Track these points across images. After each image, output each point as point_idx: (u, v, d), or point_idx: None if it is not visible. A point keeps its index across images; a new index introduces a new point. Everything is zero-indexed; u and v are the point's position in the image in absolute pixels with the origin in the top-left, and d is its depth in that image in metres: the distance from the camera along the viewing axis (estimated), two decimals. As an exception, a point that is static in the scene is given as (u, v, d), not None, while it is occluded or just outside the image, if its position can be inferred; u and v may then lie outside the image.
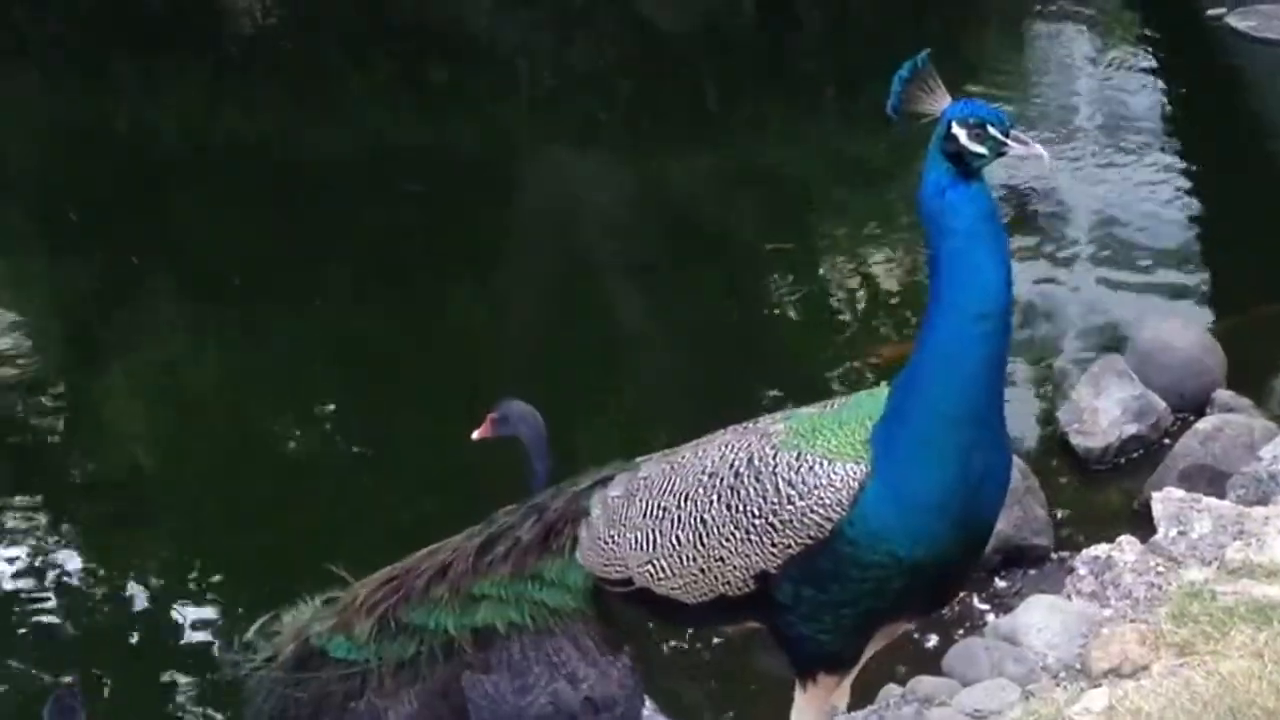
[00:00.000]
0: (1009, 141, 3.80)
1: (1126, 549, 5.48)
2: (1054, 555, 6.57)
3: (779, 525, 3.91)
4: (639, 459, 4.46)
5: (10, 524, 7.74)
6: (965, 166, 3.81)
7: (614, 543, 4.28)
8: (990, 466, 3.88)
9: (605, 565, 4.31)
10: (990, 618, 5.98)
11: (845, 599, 3.90)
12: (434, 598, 4.53)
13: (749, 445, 4.05)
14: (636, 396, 8.85)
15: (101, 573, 7.41)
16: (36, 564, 7.45)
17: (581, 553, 4.38)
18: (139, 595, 7.27)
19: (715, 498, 4.04)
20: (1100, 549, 5.51)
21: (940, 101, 3.87)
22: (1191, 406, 7.51)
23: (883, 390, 4.05)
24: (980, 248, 3.80)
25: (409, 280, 9.84)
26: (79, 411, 8.85)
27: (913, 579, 3.87)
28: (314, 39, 14.01)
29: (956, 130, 3.80)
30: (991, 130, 3.79)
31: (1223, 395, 7.49)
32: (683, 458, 4.25)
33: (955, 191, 3.81)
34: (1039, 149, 3.86)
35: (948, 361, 3.82)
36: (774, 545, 3.93)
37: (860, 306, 9.50)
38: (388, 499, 7.75)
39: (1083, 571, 5.43)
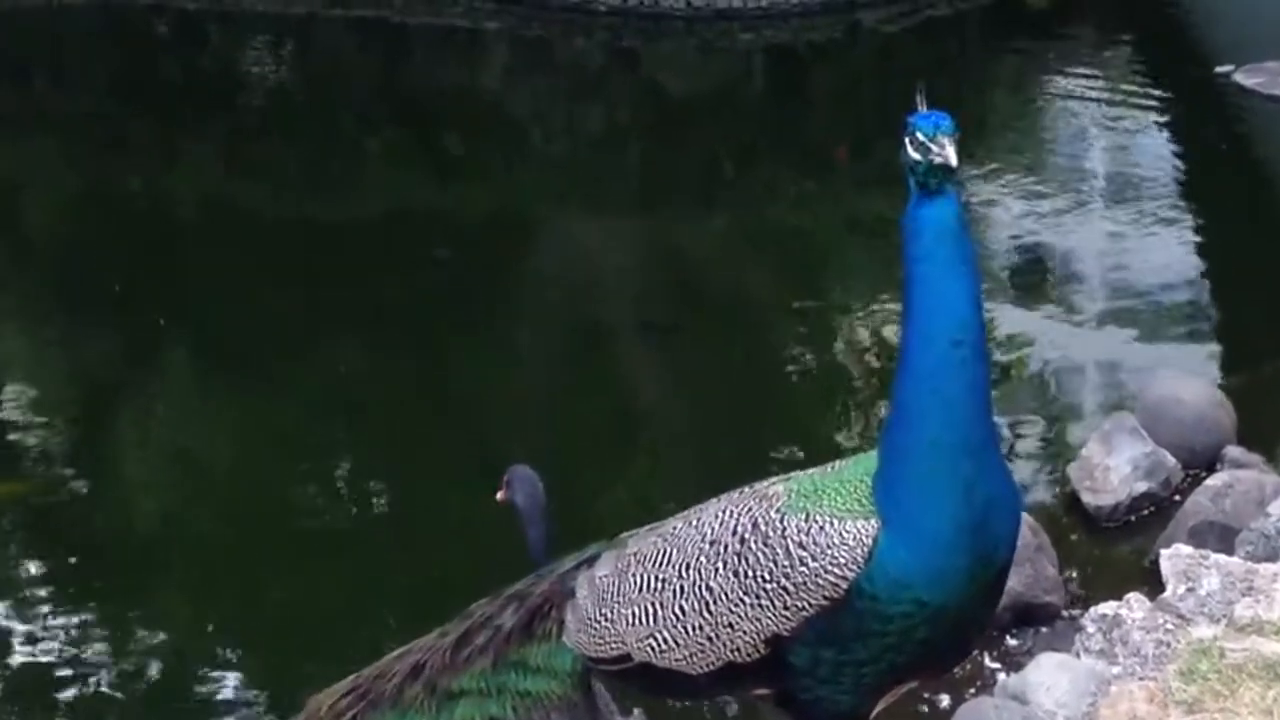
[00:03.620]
0: (931, 145, 3.73)
1: (1135, 606, 5.47)
2: (1065, 613, 6.53)
3: (792, 588, 3.87)
4: (624, 535, 4.40)
5: (24, 586, 7.76)
6: (919, 179, 3.77)
7: (607, 620, 4.21)
8: (994, 499, 3.85)
9: (598, 644, 4.24)
10: (1000, 676, 5.95)
11: (867, 657, 3.87)
12: (407, 700, 4.42)
13: (750, 510, 4.01)
14: (651, 459, 8.87)
15: (116, 636, 7.40)
16: (49, 626, 7.46)
17: (569, 636, 4.32)
18: (152, 659, 7.27)
19: (721, 565, 3.99)
20: (1109, 606, 5.50)
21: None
22: (1202, 463, 7.49)
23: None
24: (944, 270, 3.76)
25: (424, 343, 9.87)
26: (93, 474, 8.86)
27: (935, 627, 3.83)
28: (328, 105, 14.15)
29: (906, 143, 3.79)
30: (919, 136, 3.75)
31: (1233, 451, 7.48)
32: (674, 529, 4.20)
33: (920, 210, 3.78)
34: (949, 153, 3.73)
35: (929, 390, 3.78)
36: (787, 608, 3.88)
37: (874, 367, 9.53)
38: (404, 564, 7.75)
39: (1091, 629, 5.42)
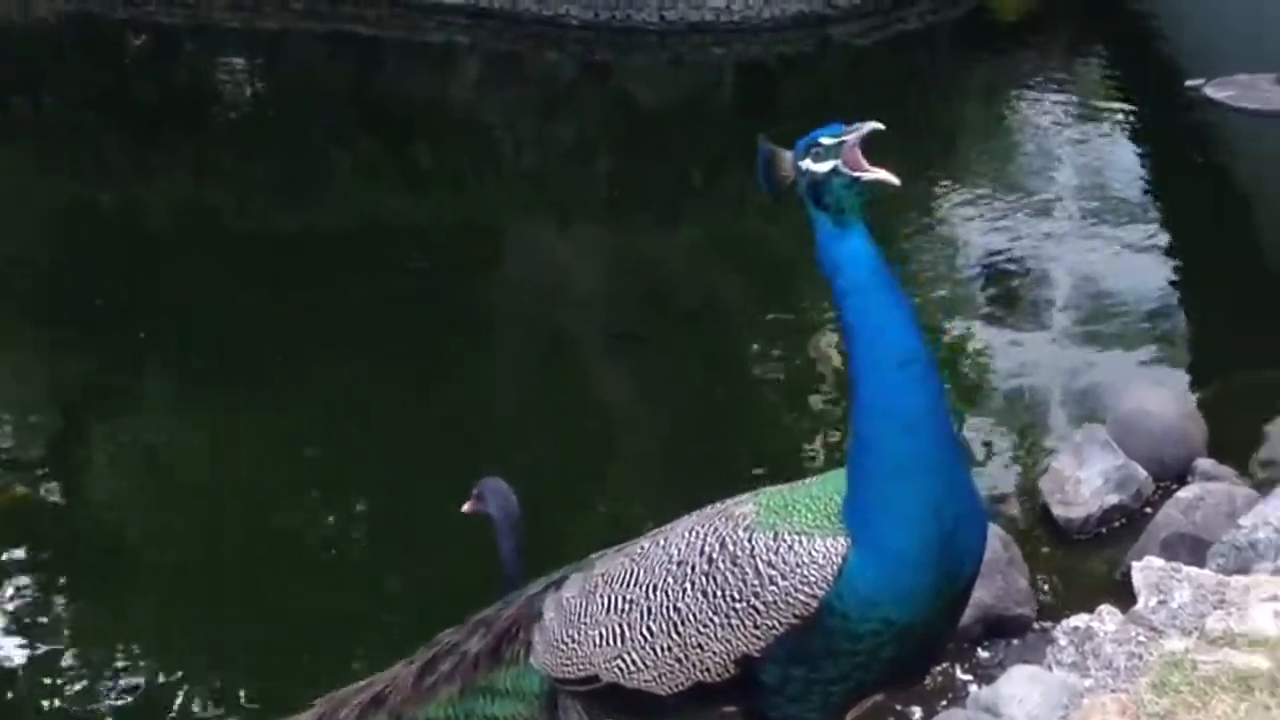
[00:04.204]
0: (845, 139, 3.74)
1: (1107, 619, 5.46)
2: (1036, 625, 6.54)
3: (762, 608, 3.84)
4: (593, 556, 4.37)
5: (14, 600, 7.74)
6: (832, 199, 3.77)
7: (575, 642, 4.18)
8: (961, 514, 3.83)
9: (565, 665, 4.22)
10: (972, 688, 5.94)
11: (836, 675, 3.85)
12: None
13: (717, 530, 3.98)
14: (620, 470, 8.86)
15: (103, 649, 7.40)
16: (39, 640, 7.45)
17: (536, 657, 4.28)
18: (139, 673, 7.26)
19: (689, 586, 3.96)
20: (1081, 619, 5.48)
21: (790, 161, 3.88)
22: (1173, 475, 7.51)
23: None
24: (876, 298, 3.79)
25: (395, 355, 9.86)
26: (71, 487, 8.86)
27: (902, 645, 3.82)
28: (301, 118, 14.15)
29: (805, 165, 3.79)
30: (825, 141, 3.76)
31: (1204, 464, 7.49)
32: (642, 549, 4.17)
33: (835, 243, 3.80)
34: (865, 127, 3.74)
35: (884, 416, 3.78)
36: (757, 628, 3.86)
37: (845, 378, 9.52)
38: (380, 575, 7.76)
39: (1063, 641, 5.41)
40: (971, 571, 3.93)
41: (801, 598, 3.80)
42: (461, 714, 4.35)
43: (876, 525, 3.79)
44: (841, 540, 3.80)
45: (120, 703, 7.07)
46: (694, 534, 4.04)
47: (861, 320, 3.81)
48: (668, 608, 4.00)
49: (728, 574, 3.89)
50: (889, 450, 3.77)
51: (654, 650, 4.03)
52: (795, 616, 3.82)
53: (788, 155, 3.86)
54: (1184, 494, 6.99)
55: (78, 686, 7.16)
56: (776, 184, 3.89)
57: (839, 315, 3.86)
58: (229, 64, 15.73)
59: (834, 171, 3.76)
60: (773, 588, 3.83)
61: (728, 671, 3.94)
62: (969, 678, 6.22)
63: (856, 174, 3.75)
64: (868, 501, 3.80)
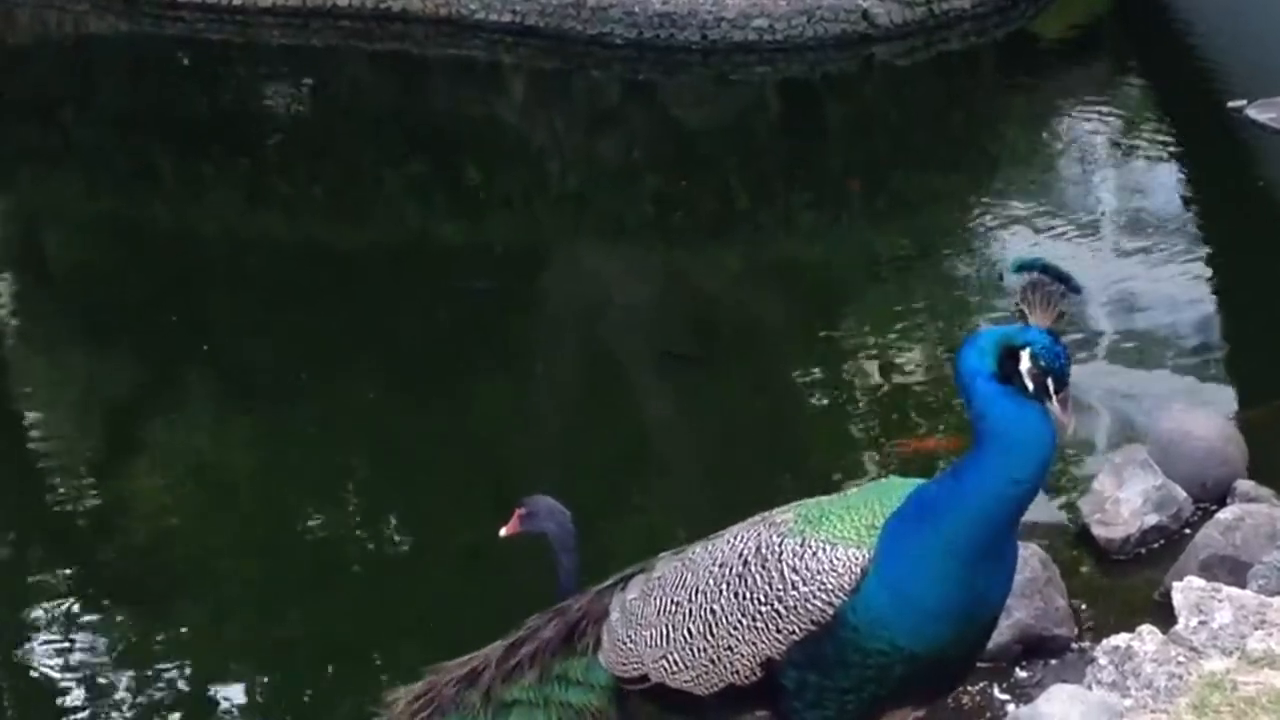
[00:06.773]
0: (1054, 398, 3.83)
1: (1147, 639, 5.49)
2: (1075, 645, 6.55)
3: (784, 611, 3.99)
4: (657, 556, 4.55)
5: (44, 608, 7.85)
6: (1008, 378, 3.87)
7: (631, 641, 4.37)
8: (996, 578, 3.97)
9: (623, 664, 4.40)
10: (1011, 708, 5.98)
11: (848, 685, 3.97)
12: (466, 705, 4.62)
13: (757, 535, 4.14)
14: (667, 490, 8.91)
15: (133, 660, 7.49)
16: (68, 650, 7.55)
17: (603, 654, 4.47)
18: (169, 684, 7.35)
19: (724, 587, 4.12)
20: (1121, 639, 5.51)
21: (1037, 316, 3.93)
22: (1213, 496, 7.50)
23: (893, 481, 4.18)
24: (1014, 429, 3.85)
25: (441, 374, 9.95)
26: (110, 502, 8.95)
27: (913, 668, 3.93)
28: (349, 136, 14.27)
29: (1024, 356, 3.85)
30: (1049, 382, 3.83)
31: (1244, 485, 7.47)
32: (694, 553, 4.35)
33: (990, 386, 3.87)
34: (1067, 417, 3.87)
35: (977, 516, 3.87)
36: (779, 631, 4.00)
37: (887, 399, 9.57)
38: (417, 591, 7.84)
39: (1103, 661, 5.44)
40: (994, 615, 4.07)
41: (819, 604, 3.95)
42: (541, 699, 4.55)
43: (909, 573, 3.91)
44: (863, 553, 3.93)
45: (160, 713, 7.18)
46: (737, 538, 4.22)
47: (992, 438, 3.87)
48: (705, 609, 4.18)
49: (757, 576, 4.06)
50: (962, 540, 3.88)
51: (692, 651, 4.21)
52: (813, 622, 3.97)
53: (1041, 317, 3.91)
54: (1224, 515, 6.98)
55: (117, 698, 7.27)
56: (1022, 296, 3.95)
57: (972, 421, 3.90)
58: (278, 81, 15.87)
59: (1036, 392, 3.83)
60: (794, 592, 3.99)
61: (754, 674, 4.11)
62: (1007, 697, 6.24)
63: (1054, 413, 3.84)
64: (912, 553, 3.92)
